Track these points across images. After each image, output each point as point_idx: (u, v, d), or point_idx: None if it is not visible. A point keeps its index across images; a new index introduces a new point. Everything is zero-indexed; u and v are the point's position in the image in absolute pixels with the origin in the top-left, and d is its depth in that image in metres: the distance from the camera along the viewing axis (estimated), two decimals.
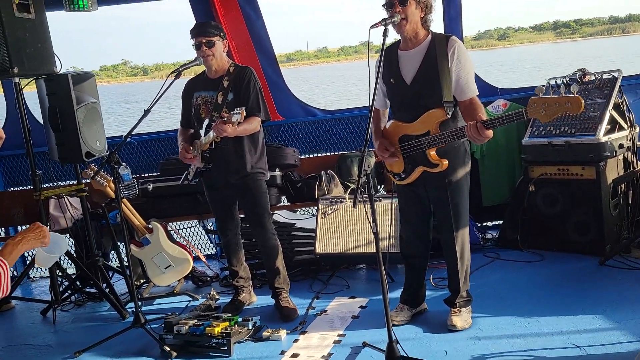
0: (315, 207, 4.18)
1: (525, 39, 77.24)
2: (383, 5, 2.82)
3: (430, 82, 2.83)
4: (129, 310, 3.76)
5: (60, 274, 4.06)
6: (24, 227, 4.94)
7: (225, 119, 3.08)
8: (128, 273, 3.76)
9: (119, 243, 4.16)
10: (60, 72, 3.70)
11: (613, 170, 3.84)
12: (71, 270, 4.34)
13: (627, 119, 3.94)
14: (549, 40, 74.90)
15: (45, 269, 4.80)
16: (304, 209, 4.74)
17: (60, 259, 4.20)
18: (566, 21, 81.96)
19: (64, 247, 2.36)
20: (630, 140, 3.93)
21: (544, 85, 4.10)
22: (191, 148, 3.37)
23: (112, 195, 3.71)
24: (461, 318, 3.05)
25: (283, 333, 3.17)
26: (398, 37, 2.93)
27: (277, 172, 4.44)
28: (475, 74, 2.98)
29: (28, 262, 4.51)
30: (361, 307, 3.51)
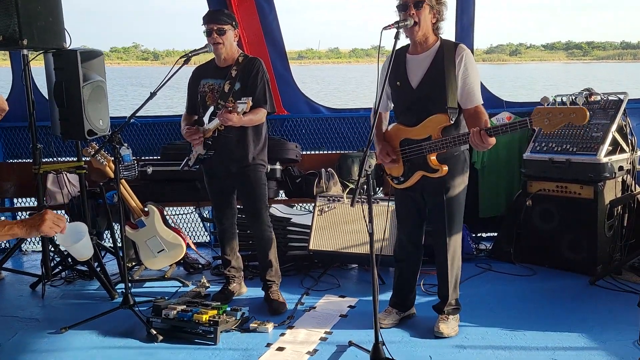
0: (313, 204, 4.19)
1: (537, 56, 77.36)
2: (397, 7, 2.82)
3: (436, 87, 2.84)
4: (119, 291, 3.76)
5: (52, 249, 4.06)
6: (16, 200, 4.97)
7: (231, 107, 3.09)
8: (120, 254, 3.77)
9: (114, 223, 4.16)
10: (69, 48, 3.70)
11: (611, 191, 3.86)
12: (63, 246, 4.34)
13: (629, 142, 3.95)
14: (560, 60, 74.99)
15: (38, 242, 4.80)
16: (301, 204, 4.75)
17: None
18: (578, 42, 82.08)
19: (84, 232, 2.33)
20: (630, 164, 3.94)
21: (550, 97, 4.12)
22: (195, 128, 3.37)
23: (112, 175, 3.71)
24: (448, 325, 3.06)
25: (270, 326, 3.18)
26: (407, 41, 2.94)
27: (278, 166, 4.45)
28: (481, 84, 2.99)
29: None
30: (350, 306, 3.52)
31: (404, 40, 2.89)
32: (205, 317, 3.08)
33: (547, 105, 4.06)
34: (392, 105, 3.11)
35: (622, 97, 3.99)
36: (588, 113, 2.47)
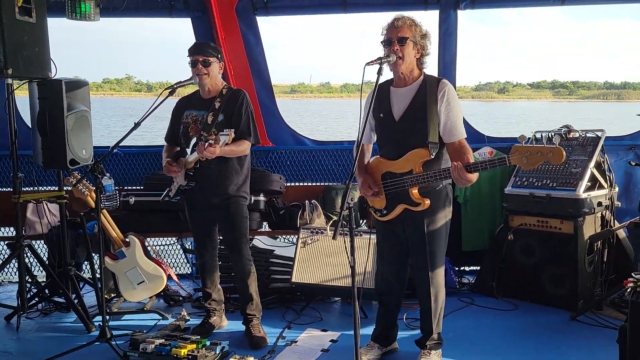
0: (296, 236, 4.17)
1: (524, 95, 78.99)
2: (382, 42, 2.88)
3: (417, 121, 2.88)
4: (96, 323, 3.68)
5: (29, 280, 3.98)
6: None
7: (212, 140, 3.08)
8: (99, 285, 3.70)
9: (93, 254, 4.10)
10: (54, 78, 3.71)
11: (590, 227, 3.91)
12: (41, 278, 4.26)
13: (608, 178, 4.03)
14: (547, 98, 76.53)
15: (15, 273, 4.70)
16: (284, 236, 4.73)
17: (31, 265, 4.13)
18: (564, 82, 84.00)
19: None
20: (609, 199, 4.01)
21: (529, 136, 4.18)
22: (175, 163, 3.37)
23: (93, 204, 3.68)
24: None
25: None
26: (391, 75, 3.00)
27: (261, 198, 4.44)
28: (464, 119, 3.04)
29: None
30: (332, 340, 3.48)
31: (389, 74, 2.95)
32: (183, 352, 3.02)
33: (525, 143, 4.12)
34: (375, 137, 3.14)
35: (599, 134, 4.08)
36: (564, 153, 2.52)
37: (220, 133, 3.09)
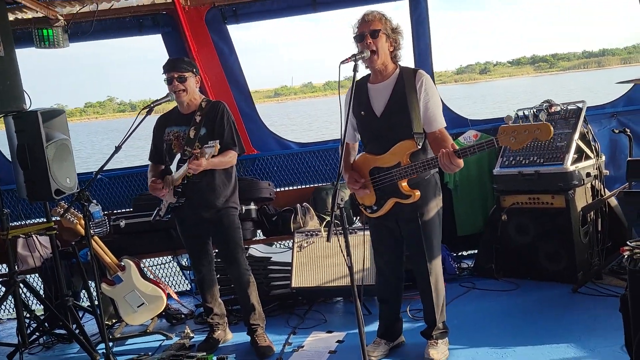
0: (291, 241, 4.16)
1: (506, 73, 79.39)
2: (355, 38, 2.87)
3: (400, 114, 2.87)
4: (100, 351, 3.64)
5: (28, 315, 3.93)
6: None
7: (198, 153, 3.06)
8: (98, 312, 3.66)
9: (89, 282, 4.05)
10: (29, 109, 3.66)
11: (582, 198, 3.93)
12: (40, 311, 4.21)
13: (593, 148, 4.05)
14: (529, 74, 76.88)
15: (12, 309, 4.65)
16: (279, 242, 4.71)
17: (28, 299, 4.08)
18: (543, 55, 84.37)
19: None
20: (596, 169, 4.03)
21: (513, 112, 4.21)
22: (160, 181, 3.35)
23: (83, 232, 3.63)
24: (438, 350, 3.03)
25: None
26: (368, 71, 2.99)
27: (252, 206, 4.42)
28: (445, 105, 3.04)
29: None
30: (338, 341, 3.47)
31: (364, 71, 2.94)
32: None
33: (511, 123, 4.14)
34: (359, 136, 3.13)
35: (580, 105, 4.10)
36: (552, 128, 2.52)
37: (206, 146, 3.08)
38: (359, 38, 2.85)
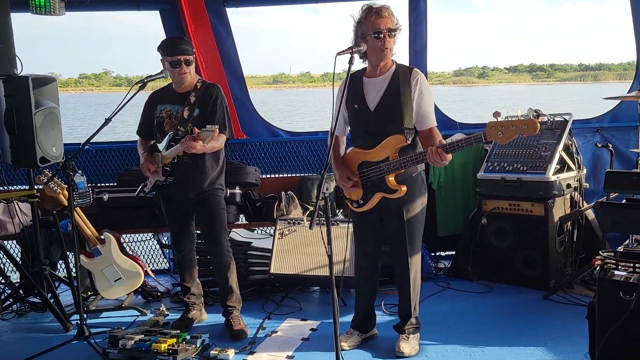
0: (273, 227, 4.18)
1: (504, 79, 79.78)
2: (369, 32, 2.84)
3: (393, 109, 2.91)
4: (73, 322, 3.65)
5: (3, 281, 3.91)
6: None
7: (196, 135, 3.06)
8: (75, 284, 3.66)
9: (68, 252, 4.04)
10: (21, 75, 3.63)
11: (560, 208, 4.01)
12: (15, 278, 4.19)
13: (576, 160, 4.13)
14: (526, 82, 77.32)
15: None
16: (261, 228, 4.73)
17: (3, 265, 4.06)
18: (541, 65, 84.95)
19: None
20: (577, 181, 4.11)
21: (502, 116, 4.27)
22: (153, 164, 3.35)
23: (65, 202, 3.63)
24: (409, 344, 3.09)
25: (231, 352, 3.14)
26: (362, 64, 3.02)
27: (237, 190, 4.43)
28: (435, 107, 3.09)
29: None
30: (312, 329, 3.51)
31: (358, 64, 2.97)
32: (164, 346, 3.02)
33: (499, 119, 4.20)
34: (349, 128, 3.16)
35: (567, 117, 4.17)
36: (539, 124, 2.59)
37: (204, 130, 3.04)
38: (376, 33, 2.83)
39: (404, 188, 2.93)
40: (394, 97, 2.91)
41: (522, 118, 4.21)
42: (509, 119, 4.33)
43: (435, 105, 3.21)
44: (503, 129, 2.61)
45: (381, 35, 2.84)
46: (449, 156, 2.75)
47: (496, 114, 4.27)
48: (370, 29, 2.85)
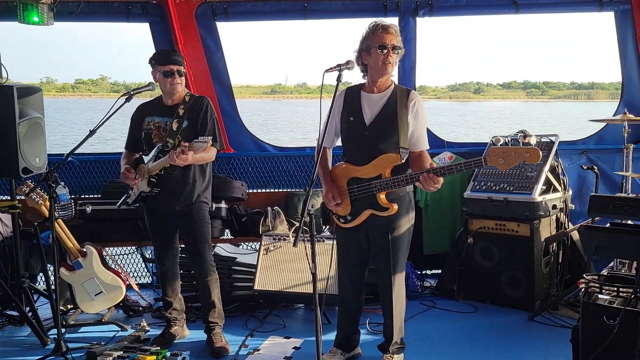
0: (259, 243, 4.15)
1: (499, 95, 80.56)
2: (374, 45, 2.88)
3: (389, 126, 2.92)
4: (52, 337, 3.56)
5: None
6: None
7: (185, 147, 3.03)
8: (54, 297, 3.59)
9: (48, 265, 3.97)
10: (6, 84, 3.59)
11: (546, 229, 4.02)
12: None
13: (562, 181, 4.15)
14: (520, 98, 78.06)
15: None
16: (247, 243, 4.69)
17: None
18: (535, 82, 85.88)
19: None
20: (563, 202, 4.13)
21: (487, 141, 4.30)
22: (133, 170, 3.32)
23: (47, 214, 3.57)
24: None
25: None
26: (356, 78, 3.05)
27: (223, 205, 4.40)
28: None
29: None
30: (295, 347, 3.46)
31: (352, 79, 3.00)
32: None
33: (500, 145, 4.22)
34: (338, 141, 3.16)
35: (553, 139, 4.20)
36: (541, 153, 2.60)
37: (196, 141, 3.02)
38: (381, 47, 2.88)
39: (395, 207, 2.92)
40: (390, 115, 2.93)
41: (510, 140, 4.26)
42: (507, 140, 4.36)
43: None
44: (505, 155, 2.62)
45: (385, 50, 2.88)
46: (441, 180, 2.75)
47: (496, 140, 4.30)
48: (375, 42, 2.90)
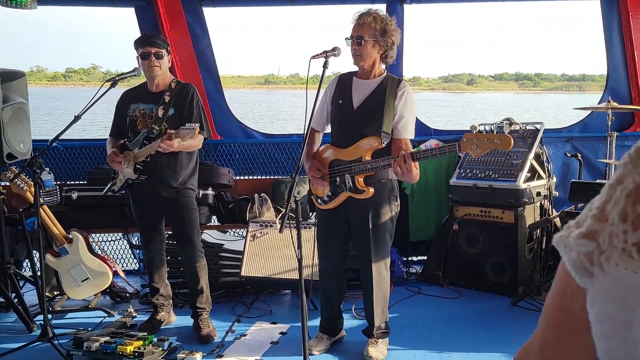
0: (245, 230, 4.16)
1: (491, 86, 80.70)
2: (346, 39, 2.96)
3: (374, 111, 2.95)
4: (37, 323, 3.56)
5: None
6: None
7: (173, 134, 3.02)
8: (40, 283, 3.58)
9: (33, 251, 3.95)
10: None
11: (530, 216, 4.07)
12: None
13: (546, 169, 4.20)
14: (513, 90, 78.17)
15: None
16: (234, 230, 4.70)
17: None
18: (527, 74, 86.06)
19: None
20: (547, 189, 4.18)
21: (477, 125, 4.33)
22: (120, 154, 3.30)
23: (32, 200, 3.55)
24: (377, 349, 3.10)
25: (199, 355, 3.10)
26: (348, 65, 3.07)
27: (210, 191, 4.40)
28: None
29: None
30: (282, 333, 3.50)
31: (341, 66, 3.02)
32: (129, 349, 2.97)
33: (475, 132, 4.25)
34: (328, 127, 3.18)
35: (538, 127, 4.24)
36: (512, 141, 2.62)
37: (183, 128, 3.01)
38: (347, 39, 2.94)
39: (371, 190, 2.94)
40: (378, 100, 2.96)
41: (496, 128, 4.29)
42: (483, 127, 4.40)
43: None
44: (478, 142, 2.64)
45: (349, 41, 2.92)
46: (416, 171, 2.76)
47: (472, 128, 4.32)
48: (348, 36, 2.94)
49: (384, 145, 2.93)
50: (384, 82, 3.00)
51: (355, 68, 3.07)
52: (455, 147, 2.69)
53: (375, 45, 2.93)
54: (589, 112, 4.98)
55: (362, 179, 2.94)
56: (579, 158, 4.14)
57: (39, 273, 3.74)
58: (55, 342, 3.07)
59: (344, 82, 3.07)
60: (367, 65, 2.98)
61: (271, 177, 4.84)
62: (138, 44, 3.31)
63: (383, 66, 3.07)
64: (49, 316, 3.19)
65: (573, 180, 3.35)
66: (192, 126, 3.01)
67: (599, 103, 4.81)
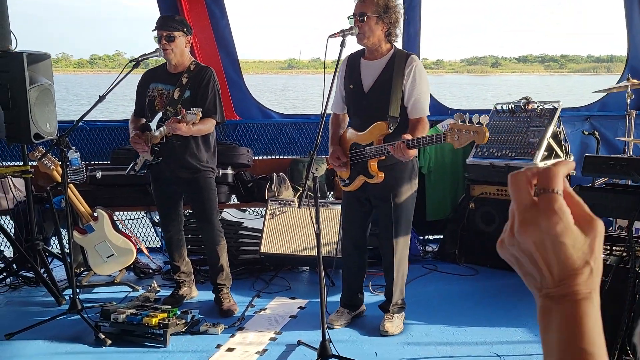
0: (264, 208, 4.24)
1: (517, 68, 79.36)
2: (348, 17, 2.92)
3: (382, 95, 2.95)
4: (66, 296, 3.71)
5: None
6: None
7: (181, 117, 3.10)
8: (68, 259, 3.72)
9: (61, 229, 4.09)
10: (15, 50, 3.64)
11: None
12: (9, 252, 4.24)
13: (564, 147, 4.20)
14: (539, 72, 76.66)
15: None
16: (253, 209, 4.79)
17: None
18: (553, 55, 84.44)
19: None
20: None
21: (490, 108, 4.33)
22: (142, 136, 3.38)
23: (59, 179, 3.67)
24: (393, 324, 3.18)
25: (221, 328, 3.22)
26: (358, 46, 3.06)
27: (229, 171, 4.48)
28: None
29: None
30: (300, 307, 3.59)
31: (355, 45, 3.01)
32: (154, 320, 3.09)
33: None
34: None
35: (556, 105, 4.23)
36: (487, 134, 2.55)
37: (188, 112, 3.08)
38: (353, 17, 2.90)
39: (382, 175, 2.97)
40: (385, 83, 2.95)
41: (513, 107, 4.29)
42: (502, 106, 4.40)
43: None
44: (460, 133, 2.56)
45: (351, 20, 2.89)
46: (412, 152, 2.78)
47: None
48: (351, 15, 2.92)
49: (391, 131, 2.92)
50: (391, 62, 2.96)
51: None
52: (440, 138, 2.66)
53: (378, 22, 2.89)
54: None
55: (374, 163, 2.98)
56: (597, 136, 4.13)
57: (67, 249, 3.88)
58: (84, 314, 3.20)
59: (353, 64, 3.05)
60: (371, 44, 2.95)
61: (289, 156, 4.90)
62: (155, 27, 3.36)
63: (389, 44, 3.03)
64: (77, 290, 3.32)
65: (587, 154, 3.35)
66: (194, 111, 3.06)
67: (618, 82, 4.76)
